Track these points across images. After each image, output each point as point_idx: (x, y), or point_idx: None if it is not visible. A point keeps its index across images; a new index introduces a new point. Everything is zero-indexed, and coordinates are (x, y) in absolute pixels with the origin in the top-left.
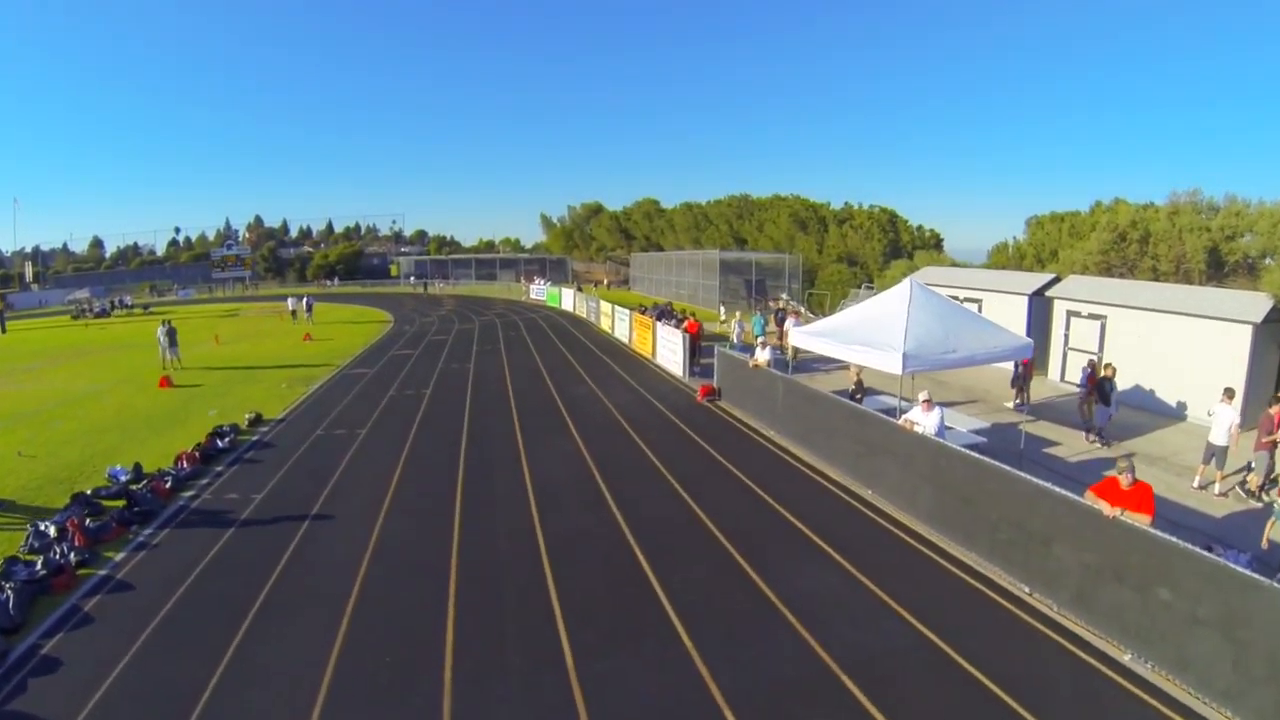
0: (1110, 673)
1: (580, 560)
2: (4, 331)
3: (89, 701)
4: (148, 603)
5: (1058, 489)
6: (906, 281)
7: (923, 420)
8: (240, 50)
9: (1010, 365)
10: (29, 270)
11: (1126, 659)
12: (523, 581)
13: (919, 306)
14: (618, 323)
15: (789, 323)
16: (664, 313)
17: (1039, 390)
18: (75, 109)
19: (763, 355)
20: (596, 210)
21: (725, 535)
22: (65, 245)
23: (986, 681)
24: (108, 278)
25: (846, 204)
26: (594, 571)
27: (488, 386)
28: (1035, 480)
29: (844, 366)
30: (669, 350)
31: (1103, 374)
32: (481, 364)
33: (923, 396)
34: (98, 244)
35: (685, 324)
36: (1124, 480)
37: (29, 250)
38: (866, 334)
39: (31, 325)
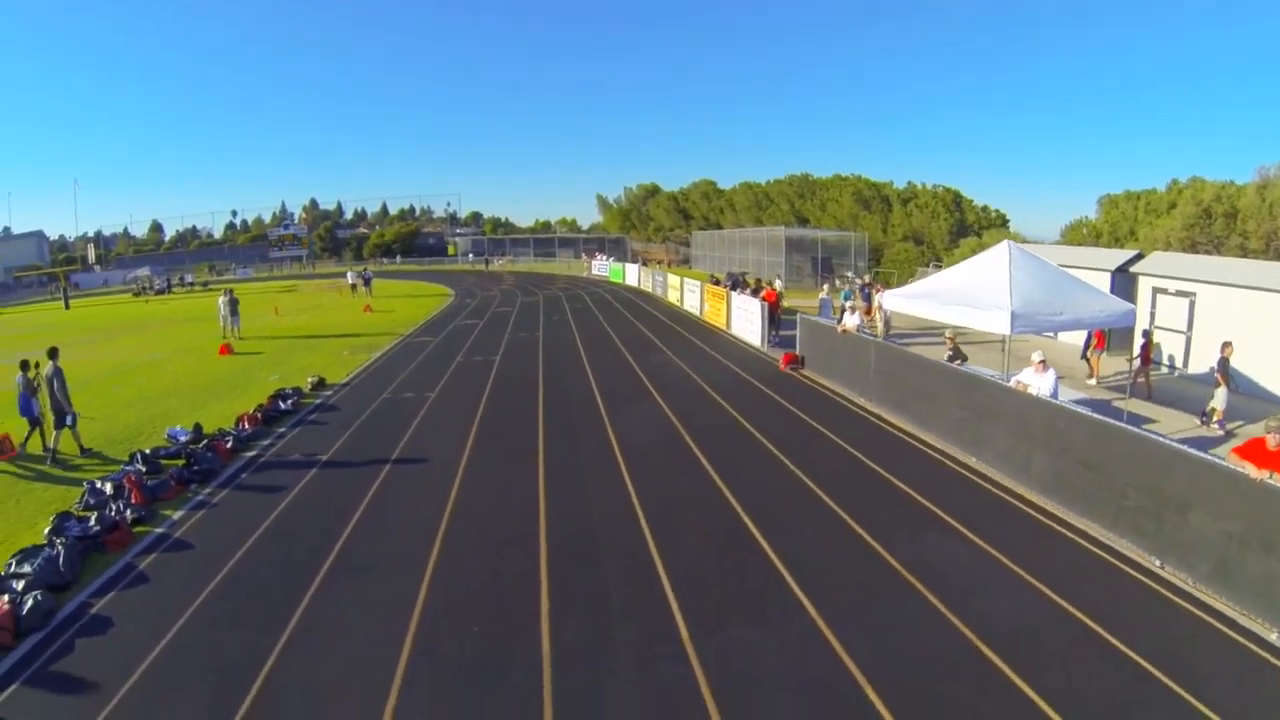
0: (1264, 653)
1: (682, 525)
2: (67, 308)
3: (139, 665)
4: (206, 563)
5: (1195, 451)
6: (1003, 244)
7: (1036, 382)
8: (288, 35)
9: (1079, 340)
10: (91, 252)
11: (1274, 637)
12: (621, 547)
13: (1020, 268)
14: (687, 295)
15: (878, 297)
16: (737, 282)
17: (1116, 366)
18: (132, 93)
19: (851, 320)
20: (653, 191)
21: (834, 500)
22: (126, 229)
23: (1138, 659)
24: (167, 259)
25: (910, 183)
26: (699, 536)
27: (560, 354)
28: (1169, 441)
29: (936, 340)
30: (746, 320)
31: (1221, 354)
32: (550, 333)
33: (1037, 357)
34: (157, 228)
35: (763, 293)
36: (1272, 440)
37: (91, 235)
38: (967, 295)
39: (94, 302)
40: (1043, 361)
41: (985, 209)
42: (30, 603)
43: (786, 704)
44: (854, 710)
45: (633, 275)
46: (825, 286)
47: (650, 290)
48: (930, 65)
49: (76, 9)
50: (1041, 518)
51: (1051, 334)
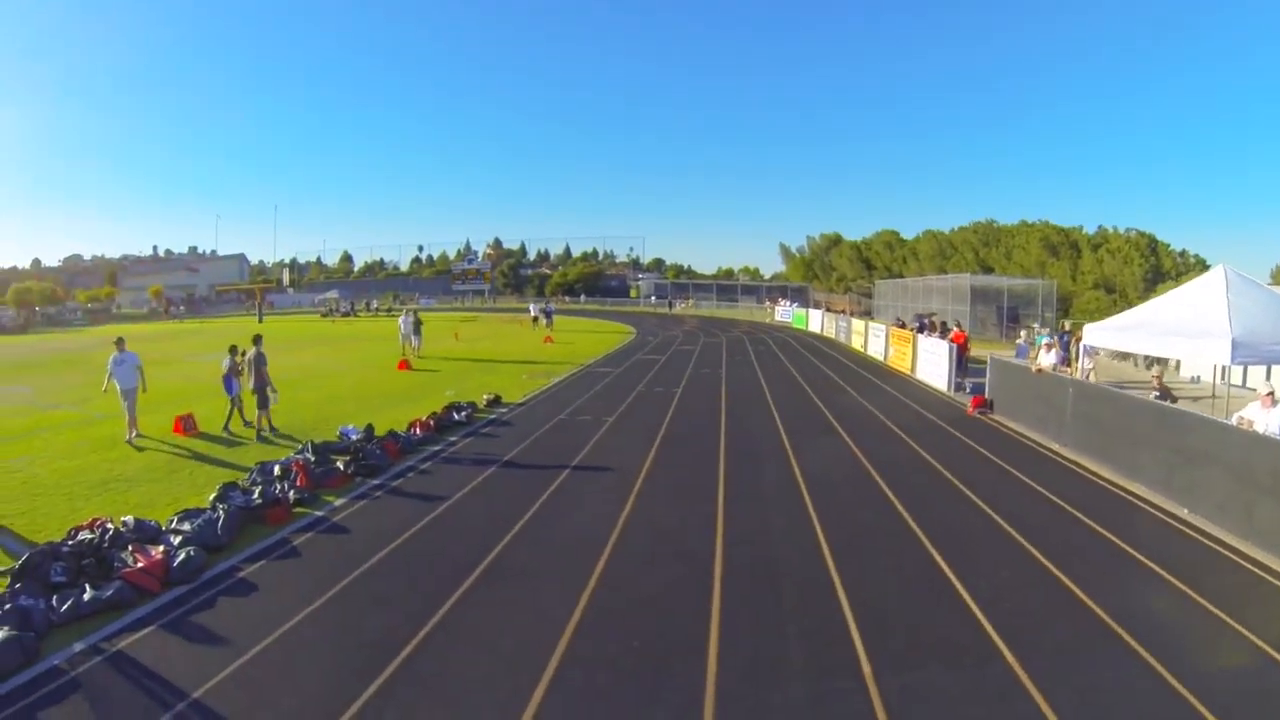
0: None
1: (868, 558)
2: (260, 320)
3: (275, 630)
4: (360, 547)
5: None
6: (1218, 268)
7: (1263, 418)
8: (479, 88)
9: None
10: (286, 276)
11: None
12: (802, 573)
13: (1238, 293)
14: (871, 339)
15: (1077, 346)
16: (924, 325)
17: None
18: (334, 130)
19: (1047, 359)
20: (836, 241)
21: (1029, 542)
22: (319, 258)
23: None
24: (355, 286)
25: (1100, 228)
26: (886, 570)
27: (743, 389)
28: None
29: (1141, 384)
30: (932, 363)
31: None
32: (734, 371)
33: (1265, 389)
34: (347, 258)
35: (951, 334)
36: None
37: (287, 261)
38: (1178, 324)
39: (285, 319)
40: (1271, 394)
41: (1183, 253)
42: (183, 556)
43: None
44: None
45: (816, 321)
46: (1023, 333)
47: (834, 336)
48: (1119, 103)
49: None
50: (1268, 576)
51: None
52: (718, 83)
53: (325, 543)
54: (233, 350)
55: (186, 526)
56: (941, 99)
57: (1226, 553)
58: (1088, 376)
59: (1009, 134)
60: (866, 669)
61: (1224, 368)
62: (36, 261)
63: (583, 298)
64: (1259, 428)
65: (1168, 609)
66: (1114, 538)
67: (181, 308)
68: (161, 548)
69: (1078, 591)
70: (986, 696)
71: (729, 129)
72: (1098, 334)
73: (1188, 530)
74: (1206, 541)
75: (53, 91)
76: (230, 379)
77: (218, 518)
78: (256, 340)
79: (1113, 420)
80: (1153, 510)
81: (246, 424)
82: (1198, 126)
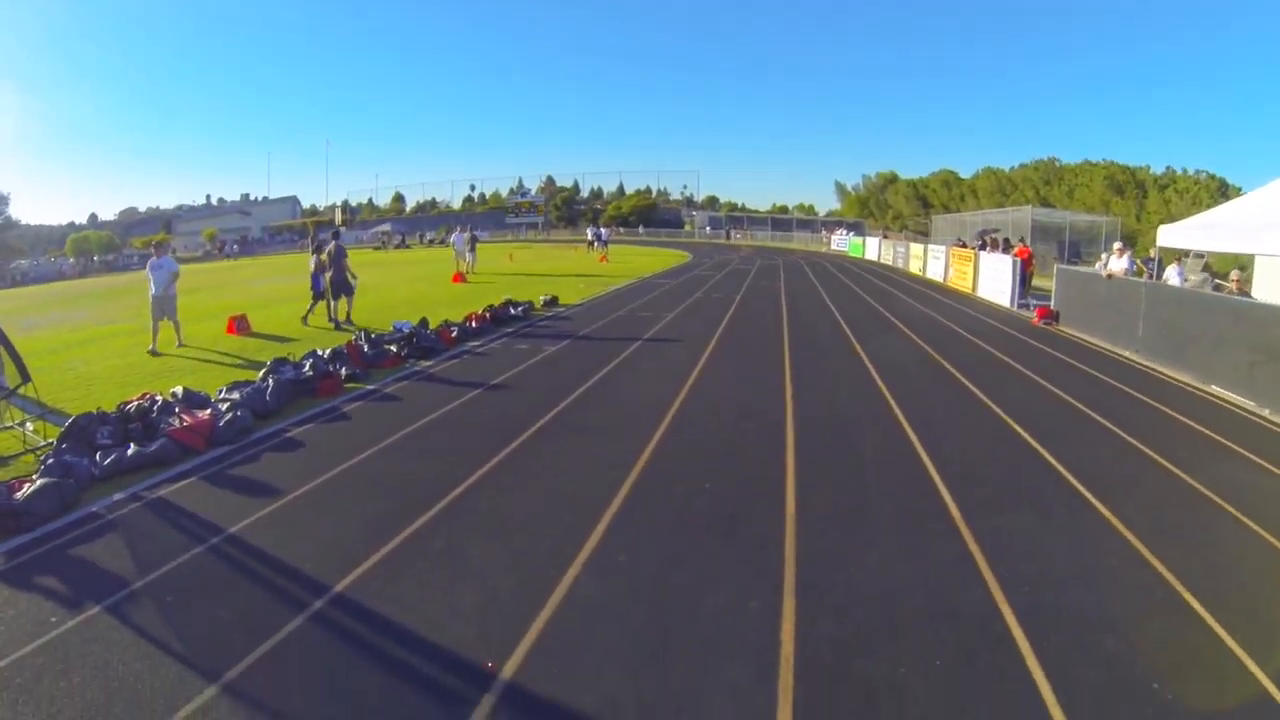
0: None
1: (945, 424)
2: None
3: (320, 477)
4: (412, 411)
5: None
6: None
7: None
8: (530, 23)
9: None
10: (338, 215)
11: None
12: (877, 437)
13: None
14: (930, 262)
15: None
16: (986, 243)
17: None
18: (382, 72)
19: (1117, 265)
20: (892, 179)
21: (1110, 422)
22: (370, 199)
23: None
24: (408, 223)
25: (1168, 169)
26: (964, 432)
27: (803, 299)
28: None
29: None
30: (994, 280)
31: None
32: (792, 284)
33: None
34: (399, 198)
35: (1015, 250)
36: None
37: (339, 203)
38: (1266, 218)
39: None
40: None
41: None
42: (229, 417)
43: (1079, 590)
44: (1167, 607)
45: (873, 250)
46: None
47: (891, 262)
48: (1192, 42)
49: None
50: None
51: None
52: (772, 19)
53: (376, 409)
54: (316, 249)
55: (235, 395)
56: (1003, 33)
57: None
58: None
59: (1073, 71)
60: (956, 514)
61: None
62: (93, 216)
63: (641, 229)
64: None
65: (1259, 483)
66: (1194, 423)
67: (235, 247)
68: (209, 410)
69: (1165, 463)
70: (1082, 540)
71: (785, 64)
72: (1174, 234)
73: (1271, 425)
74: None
75: (96, 50)
76: (317, 276)
77: (267, 386)
78: (336, 235)
79: (1187, 322)
80: (1233, 408)
81: (331, 320)
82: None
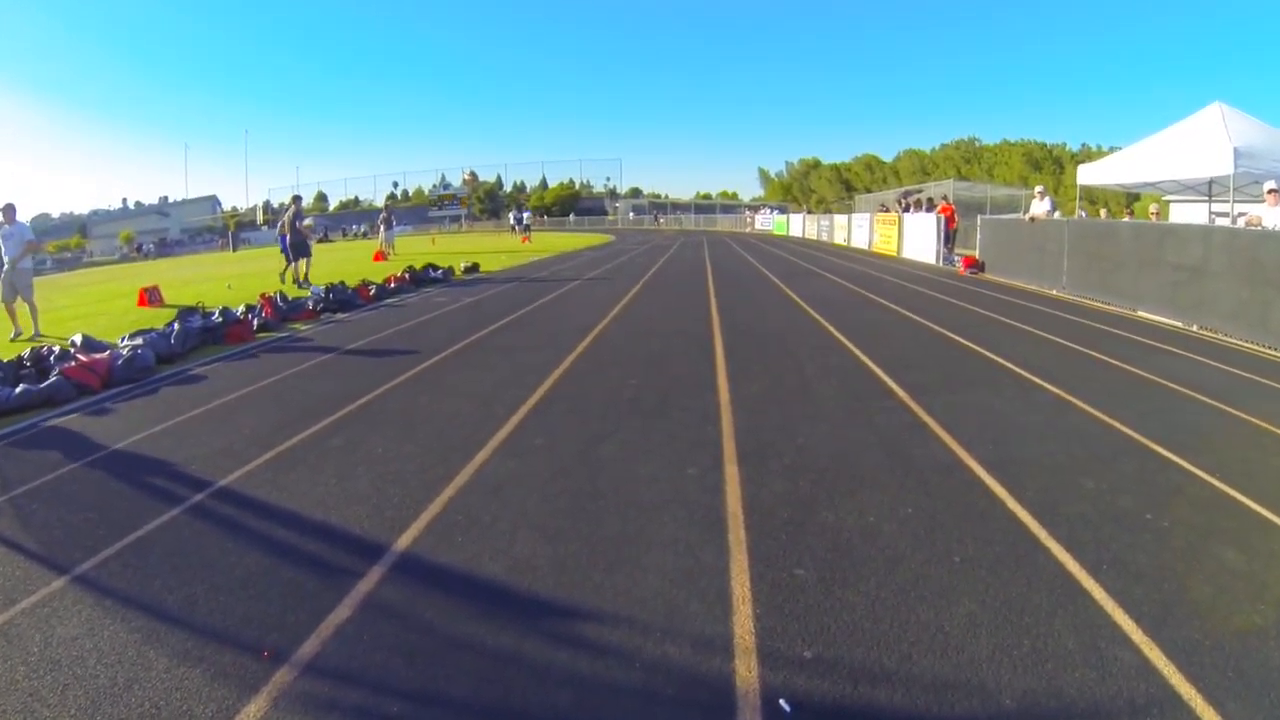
0: None
1: (880, 336)
2: (234, 251)
3: (215, 401)
4: (321, 350)
5: None
6: (1213, 104)
7: (1271, 215)
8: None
9: None
10: (259, 216)
11: None
12: (810, 341)
13: (1236, 120)
14: (855, 231)
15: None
16: (909, 206)
17: None
18: (302, 69)
19: (1039, 208)
20: (815, 165)
21: (1048, 333)
22: (281, 225)
23: None
24: (332, 219)
25: (1084, 145)
26: (902, 339)
27: (726, 261)
28: None
29: None
30: (919, 239)
31: None
32: (715, 252)
33: (1269, 185)
34: (322, 197)
35: (939, 208)
36: None
37: (260, 204)
38: (1174, 151)
39: (260, 253)
40: (1276, 191)
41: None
42: (129, 355)
43: (1045, 445)
44: (1136, 454)
45: (797, 227)
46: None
47: (816, 237)
48: (1106, 20)
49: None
50: None
51: None
52: (691, 5)
53: (286, 349)
54: (281, 210)
55: (139, 340)
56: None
57: (1247, 351)
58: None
59: (992, 54)
60: (902, 394)
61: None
62: None
63: (572, 217)
64: (1268, 224)
65: (1196, 373)
66: (1127, 334)
67: (152, 248)
68: (108, 353)
69: (1105, 358)
70: (1040, 408)
71: (704, 54)
72: (1093, 172)
73: (1200, 335)
74: (1216, 343)
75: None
76: (284, 238)
77: (171, 330)
78: (295, 200)
79: (1112, 251)
80: (1163, 326)
81: (296, 282)
82: (1185, 47)
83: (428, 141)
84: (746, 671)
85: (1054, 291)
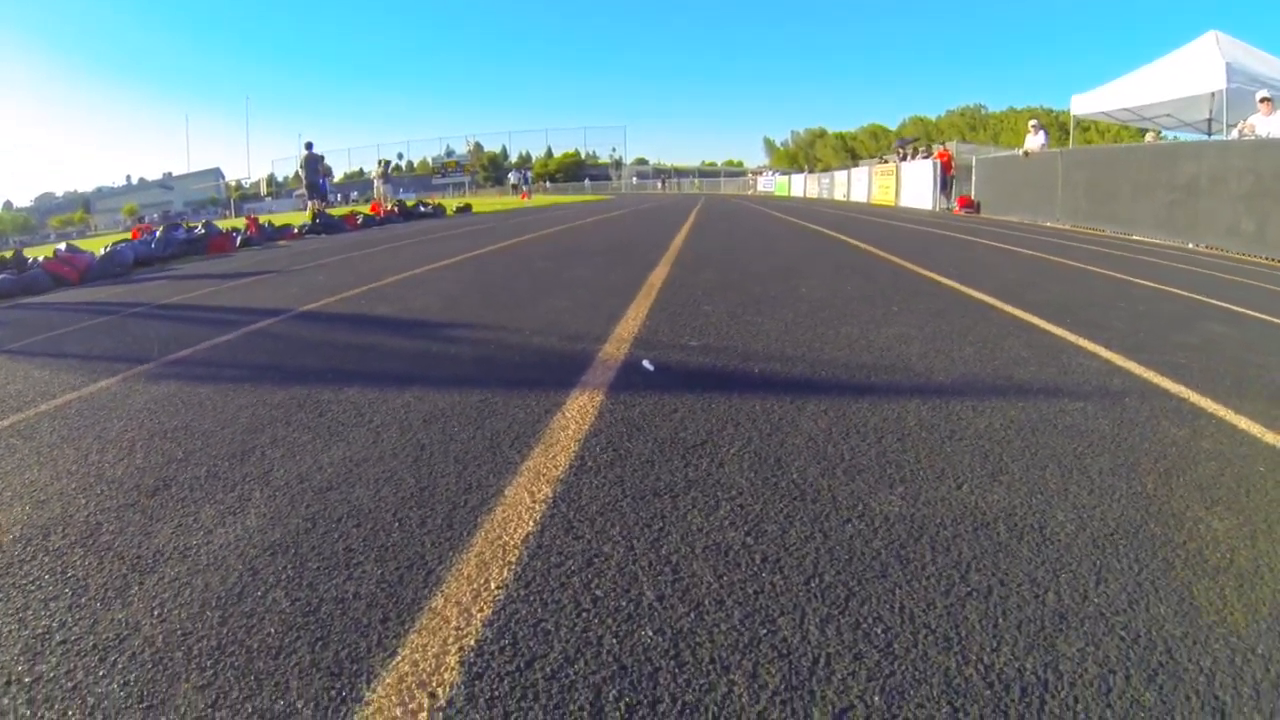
0: None
1: (873, 236)
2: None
3: (193, 292)
4: (306, 254)
5: None
6: (1208, 33)
7: (1265, 124)
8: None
9: None
10: (263, 187)
11: None
12: (790, 231)
13: (1229, 44)
14: (854, 185)
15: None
16: (907, 154)
17: None
18: (306, 39)
19: (1034, 141)
20: (820, 134)
21: (1044, 253)
22: (296, 172)
23: None
24: (337, 188)
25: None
26: (898, 241)
27: (719, 206)
28: None
29: None
30: (915, 187)
31: None
32: (711, 205)
33: (1261, 95)
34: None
35: (936, 153)
36: None
37: (264, 177)
38: (1168, 77)
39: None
40: (1268, 99)
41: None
42: (108, 253)
43: (1047, 285)
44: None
45: (799, 187)
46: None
47: (818, 195)
48: None
49: None
50: None
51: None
52: None
53: (269, 251)
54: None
55: (120, 247)
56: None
57: (1248, 262)
58: None
59: (997, 21)
60: (899, 261)
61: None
62: (8, 204)
63: (587, 182)
64: (1261, 133)
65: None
66: (1125, 254)
67: (155, 220)
68: (87, 256)
69: (1109, 271)
70: (1039, 268)
71: (712, 24)
72: (1088, 102)
73: (1197, 253)
74: (1218, 256)
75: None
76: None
77: (154, 236)
78: (309, 146)
79: (1108, 177)
80: (1161, 246)
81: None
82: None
83: (431, 114)
84: (614, 350)
85: (1049, 223)
